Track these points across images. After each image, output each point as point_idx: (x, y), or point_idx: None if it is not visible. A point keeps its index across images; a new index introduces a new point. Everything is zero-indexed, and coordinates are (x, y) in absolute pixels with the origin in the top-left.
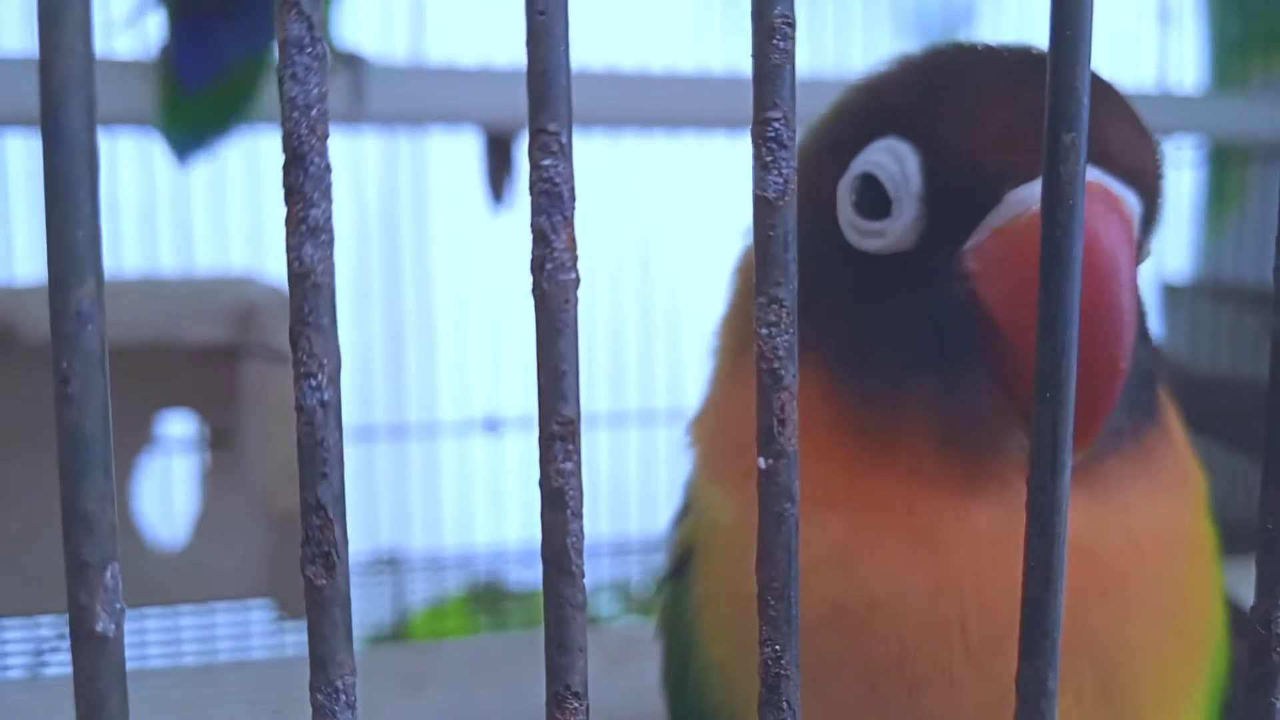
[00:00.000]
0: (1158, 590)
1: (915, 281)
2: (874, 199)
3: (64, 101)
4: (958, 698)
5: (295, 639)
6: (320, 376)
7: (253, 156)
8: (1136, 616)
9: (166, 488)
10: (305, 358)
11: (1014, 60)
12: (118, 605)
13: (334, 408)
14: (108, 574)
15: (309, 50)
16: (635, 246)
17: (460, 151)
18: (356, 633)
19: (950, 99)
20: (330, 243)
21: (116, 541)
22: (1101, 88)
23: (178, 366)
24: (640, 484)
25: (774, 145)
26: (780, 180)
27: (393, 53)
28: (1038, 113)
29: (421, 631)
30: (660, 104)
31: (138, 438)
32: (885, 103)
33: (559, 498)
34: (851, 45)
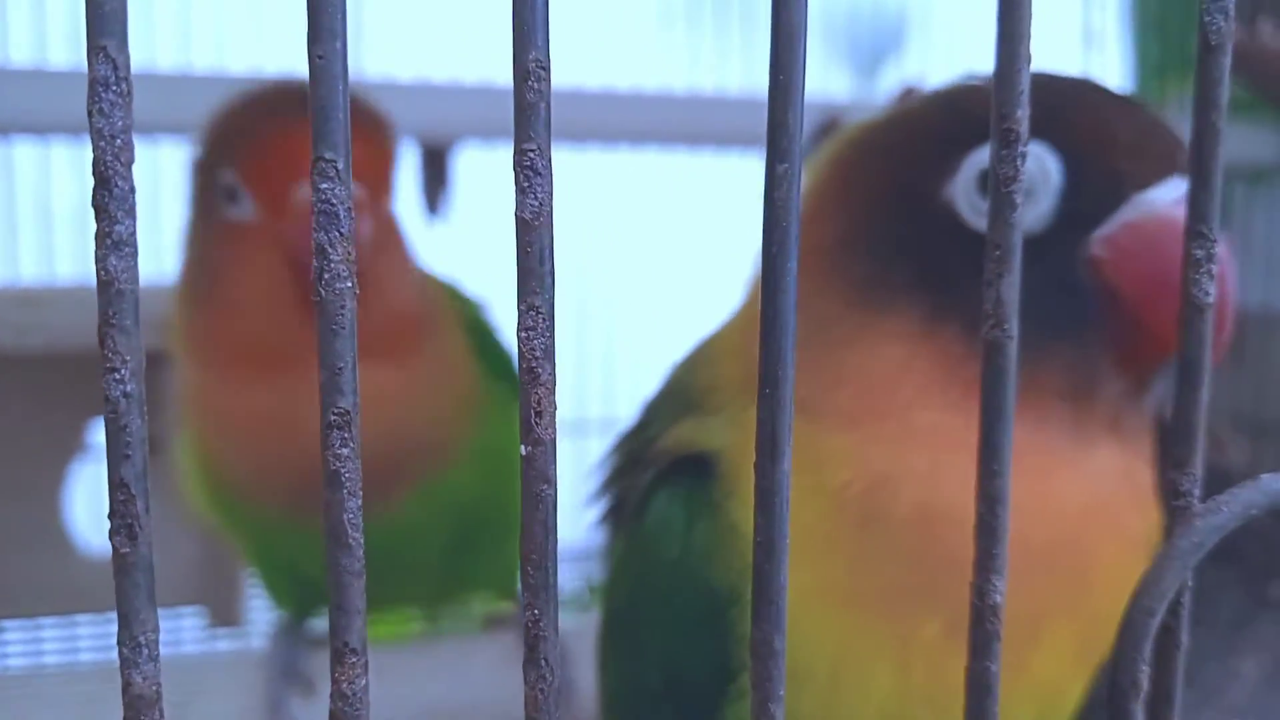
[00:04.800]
0: (1143, 538)
1: (1044, 262)
2: None
3: None
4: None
5: (228, 646)
6: (124, 371)
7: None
8: (1130, 561)
9: (98, 496)
10: (111, 354)
11: (1102, 84)
12: None
13: (136, 399)
14: None
15: (114, 89)
16: (632, 258)
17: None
18: None
19: (1086, 111)
20: (134, 254)
21: None
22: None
23: None
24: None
25: (530, 173)
26: (536, 203)
27: None
28: (1157, 127)
29: None
30: (655, 122)
31: (69, 446)
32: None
33: (336, 479)
34: None
